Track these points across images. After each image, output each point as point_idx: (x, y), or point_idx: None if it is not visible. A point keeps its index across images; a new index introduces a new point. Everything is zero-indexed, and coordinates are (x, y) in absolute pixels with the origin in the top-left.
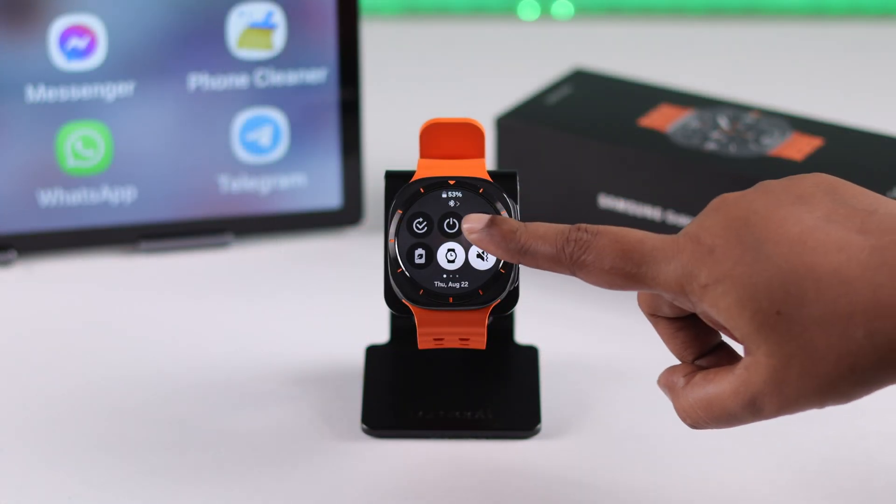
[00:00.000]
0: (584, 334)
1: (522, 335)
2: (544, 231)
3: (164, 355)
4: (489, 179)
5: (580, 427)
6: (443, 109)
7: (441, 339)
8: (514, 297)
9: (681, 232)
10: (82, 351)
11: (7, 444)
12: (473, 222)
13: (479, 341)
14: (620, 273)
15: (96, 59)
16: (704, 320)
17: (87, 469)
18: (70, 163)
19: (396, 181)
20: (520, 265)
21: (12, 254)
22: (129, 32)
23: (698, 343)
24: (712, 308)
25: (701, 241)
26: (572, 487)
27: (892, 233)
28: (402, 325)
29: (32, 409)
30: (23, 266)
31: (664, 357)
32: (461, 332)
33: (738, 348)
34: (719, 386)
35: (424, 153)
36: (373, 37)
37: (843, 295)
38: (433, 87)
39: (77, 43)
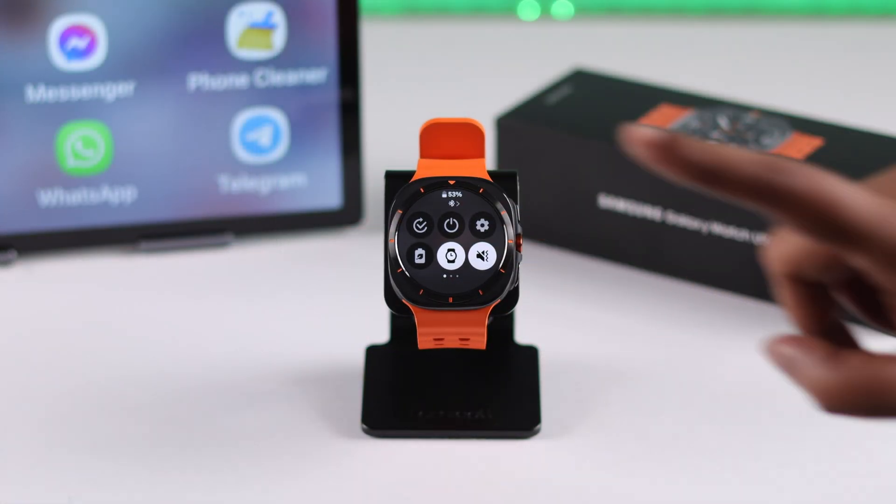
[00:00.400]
0: (584, 334)
1: (522, 335)
2: (745, 152)
3: (164, 355)
4: (489, 179)
5: (580, 427)
6: (443, 109)
7: (441, 339)
8: (514, 297)
9: (886, 190)
10: (82, 351)
11: (7, 444)
12: (642, 136)
13: (479, 341)
14: (826, 237)
15: (96, 59)
16: (892, 297)
17: (87, 469)
18: (70, 163)
19: (396, 181)
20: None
21: (12, 254)
22: (129, 32)
23: (827, 314)
24: None
25: None
26: (572, 487)
27: None
28: (402, 325)
29: (32, 409)
30: (23, 266)
31: (664, 357)
32: (461, 332)
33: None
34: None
35: (424, 153)
36: (373, 37)
37: None
38: (433, 87)
39: (77, 43)
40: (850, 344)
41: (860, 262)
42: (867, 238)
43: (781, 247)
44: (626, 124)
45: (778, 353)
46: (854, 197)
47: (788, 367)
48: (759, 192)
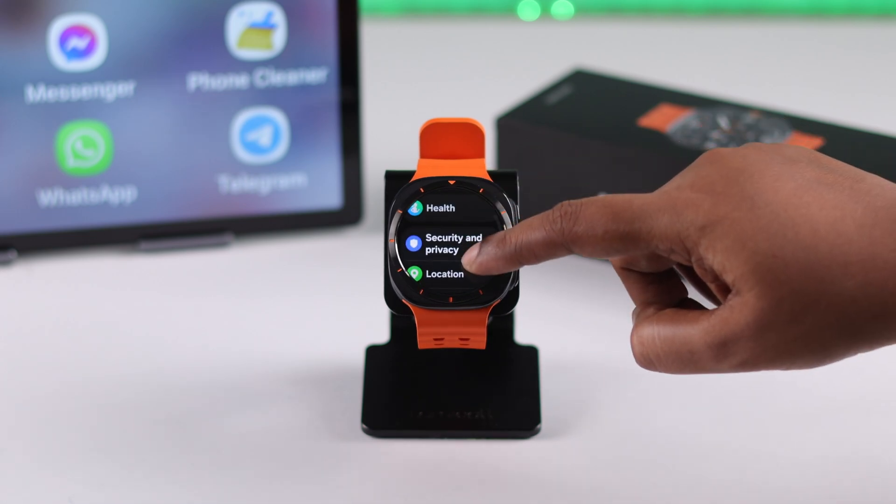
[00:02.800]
0: (584, 334)
1: (522, 335)
2: (530, 221)
3: (164, 355)
4: (489, 179)
5: (580, 427)
6: (443, 109)
7: (441, 339)
8: (514, 297)
9: (665, 187)
10: (82, 351)
11: (7, 444)
12: (467, 255)
13: (479, 341)
14: (615, 235)
15: (96, 59)
16: (697, 270)
17: (87, 469)
18: (70, 163)
19: (396, 181)
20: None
21: (12, 254)
22: (129, 32)
23: (668, 297)
24: (710, 251)
25: (696, 188)
26: (572, 487)
27: (882, 199)
28: (402, 325)
29: (33, 409)
30: (23, 266)
31: None
32: (461, 332)
33: (707, 305)
34: (693, 325)
35: (424, 153)
36: (373, 37)
37: (840, 245)
38: (433, 87)
39: (77, 43)
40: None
41: (660, 253)
42: (647, 233)
43: None
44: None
45: (634, 314)
46: (630, 200)
47: (634, 327)
48: (561, 247)
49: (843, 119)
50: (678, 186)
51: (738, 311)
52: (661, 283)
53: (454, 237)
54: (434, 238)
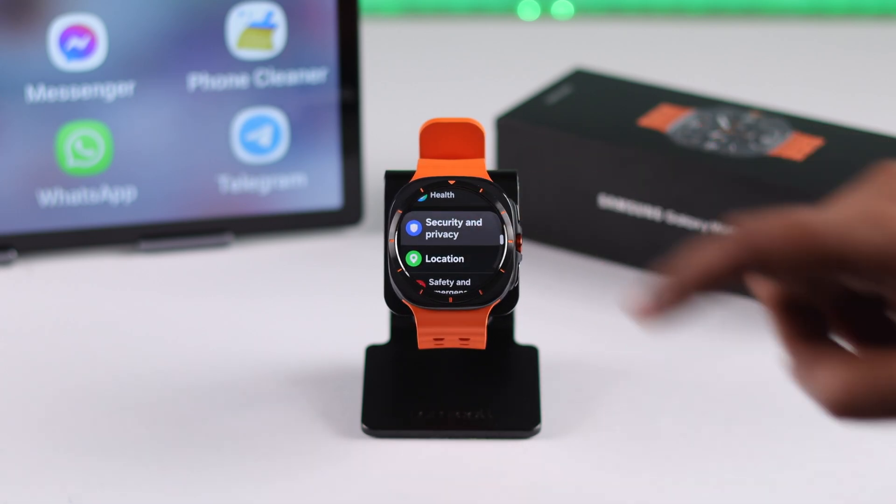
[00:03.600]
0: (584, 334)
1: (522, 335)
2: (705, 248)
3: (164, 355)
4: (489, 179)
5: (580, 427)
6: (443, 109)
7: (441, 339)
8: (514, 297)
9: (849, 202)
10: (82, 351)
11: (7, 444)
12: (638, 309)
13: (479, 341)
14: (809, 259)
15: (96, 59)
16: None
17: (87, 469)
18: (70, 163)
19: (396, 181)
20: (519, 266)
21: (12, 254)
22: (129, 32)
23: (819, 328)
24: None
25: (886, 199)
26: (572, 487)
27: None
28: (402, 325)
29: (32, 409)
30: (23, 266)
31: (664, 357)
32: (461, 332)
33: None
34: None
35: (424, 153)
36: (373, 37)
37: None
38: (433, 87)
39: (77, 43)
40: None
41: (853, 277)
42: (848, 253)
43: (767, 284)
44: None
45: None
46: (823, 220)
47: (802, 380)
48: (741, 273)
49: (843, 119)
50: (852, 200)
51: None
52: (810, 324)
53: (454, 221)
54: (434, 223)
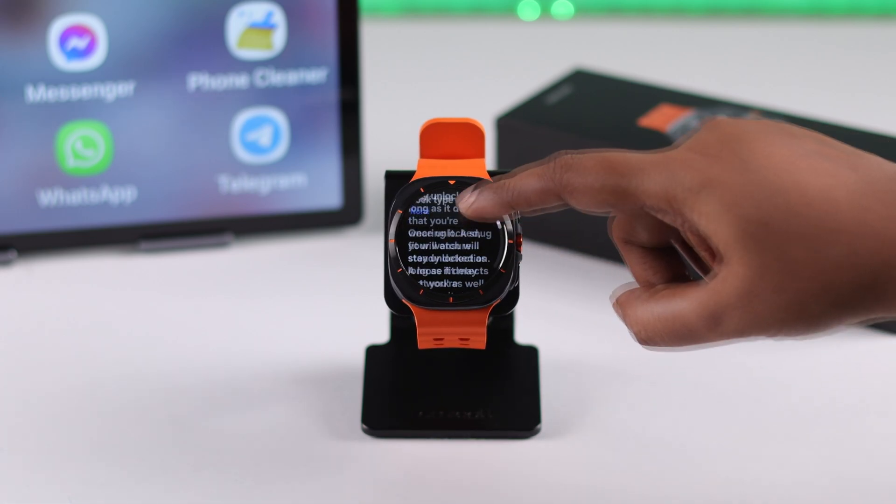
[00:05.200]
0: (584, 334)
1: (522, 335)
2: (528, 169)
3: (164, 355)
4: (489, 179)
5: (580, 427)
6: (443, 109)
7: (441, 339)
8: (514, 297)
9: (664, 149)
10: (82, 351)
11: (7, 444)
12: (463, 199)
13: (479, 341)
14: (608, 189)
15: (96, 59)
16: (686, 236)
17: (87, 469)
18: (70, 163)
19: (396, 181)
20: (519, 264)
21: (12, 254)
22: (129, 32)
23: (668, 272)
24: (696, 213)
25: (692, 150)
26: (572, 487)
27: (879, 171)
28: (402, 325)
29: (33, 409)
30: (23, 266)
31: (664, 357)
32: (461, 332)
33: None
34: (685, 299)
35: (424, 153)
36: (373, 37)
37: (829, 213)
38: (433, 87)
39: (77, 43)
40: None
41: (651, 211)
42: (640, 189)
43: (617, 218)
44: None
45: (614, 300)
46: (627, 157)
47: (620, 309)
48: (555, 196)
49: (843, 119)
50: (677, 147)
51: (726, 281)
52: (660, 260)
53: (454, 221)
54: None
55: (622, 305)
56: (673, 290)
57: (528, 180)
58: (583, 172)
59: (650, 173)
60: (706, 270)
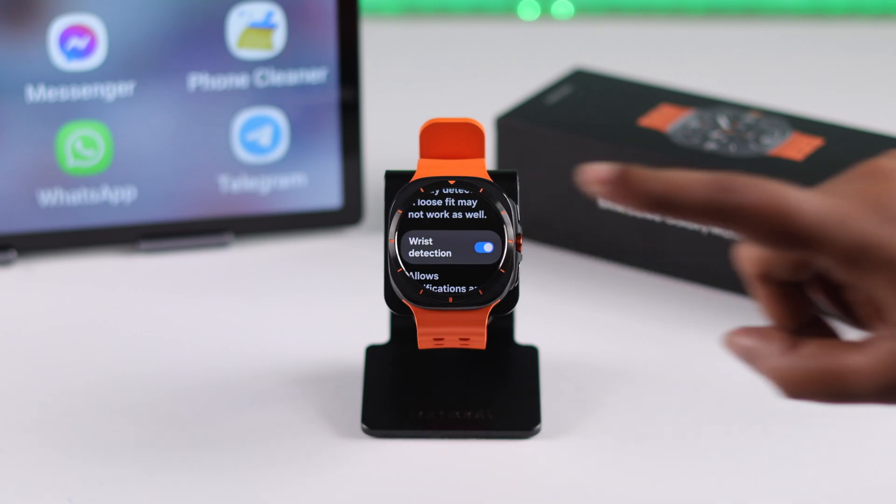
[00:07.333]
0: (584, 334)
1: (522, 335)
2: (689, 175)
3: (164, 355)
4: (489, 179)
5: (580, 427)
6: (443, 109)
7: (441, 339)
8: (514, 297)
9: (836, 192)
10: (82, 351)
11: (7, 444)
12: (593, 171)
13: (479, 341)
14: (785, 234)
15: (96, 59)
16: (853, 295)
17: (87, 469)
18: (70, 163)
19: (396, 181)
20: (520, 261)
21: (12, 254)
22: (129, 32)
23: (802, 311)
24: (876, 278)
25: (884, 206)
26: (572, 487)
27: None
28: (402, 325)
29: (32, 409)
30: (23, 266)
31: (664, 357)
32: (461, 332)
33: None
34: (855, 359)
35: (424, 153)
36: (373, 37)
37: None
38: (433, 87)
39: (77, 43)
40: (827, 337)
41: (820, 262)
42: (821, 241)
43: (751, 249)
44: (583, 166)
45: (737, 345)
46: (805, 202)
47: (748, 357)
48: (710, 214)
49: (843, 119)
50: (863, 197)
51: None
52: (795, 299)
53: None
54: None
55: (753, 356)
56: (827, 351)
57: (693, 183)
58: (756, 206)
59: (828, 223)
60: (847, 313)
